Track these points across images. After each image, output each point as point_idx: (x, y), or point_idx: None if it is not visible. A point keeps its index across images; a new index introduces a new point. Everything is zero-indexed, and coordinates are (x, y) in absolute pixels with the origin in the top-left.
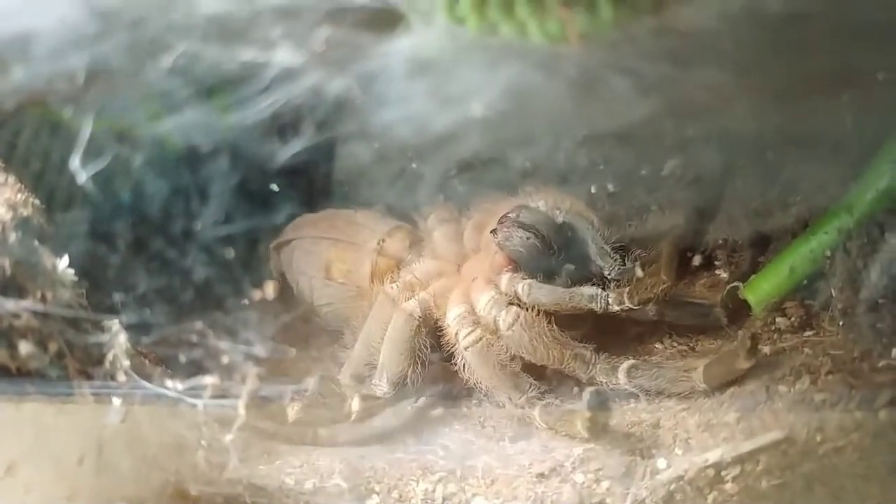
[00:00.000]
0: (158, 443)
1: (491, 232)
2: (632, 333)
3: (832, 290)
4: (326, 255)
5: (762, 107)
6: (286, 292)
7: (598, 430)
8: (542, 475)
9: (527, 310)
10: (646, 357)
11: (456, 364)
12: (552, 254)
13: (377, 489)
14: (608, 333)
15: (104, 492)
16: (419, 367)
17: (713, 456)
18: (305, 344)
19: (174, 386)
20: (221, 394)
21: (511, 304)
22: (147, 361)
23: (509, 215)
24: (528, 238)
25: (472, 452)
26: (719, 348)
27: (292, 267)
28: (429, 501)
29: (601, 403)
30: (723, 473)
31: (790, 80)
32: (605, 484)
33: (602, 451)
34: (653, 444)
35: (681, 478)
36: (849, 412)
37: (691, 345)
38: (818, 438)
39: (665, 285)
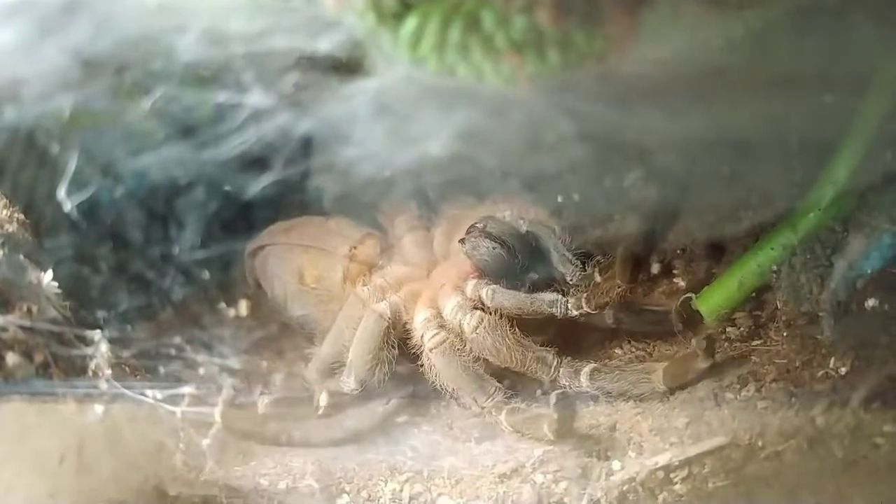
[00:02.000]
0: (138, 447)
1: (459, 241)
2: (592, 339)
3: (778, 303)
4: (299, 262)
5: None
6: (261, 298)
7: (564, 432)
8: (503, 475)
9: (490, 314)
10: (606, 361)
11: (423, 366)
12: (517, 263)
13: (347, 489)
14: (570, 339)
15: (84, 492)
16: (386, 367)
17: (663, 459)
18: (279, 347)
19: (153, 395)
20: (198, 400)
21: (476, 308)
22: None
23: (477, 225)
24: (494, 248)
25: (438, 453)
26: (675, 353)
27: (266, 273)
28: (396, 501)
29: (567, 406)
30: (672, 476)
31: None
32: (563, 484)
33: (560, 452)
34: (609, 446)
35: (633, 479)
36: (788, 418)
37: (649, 350)
38: (759, 443)
39: (620, 289)
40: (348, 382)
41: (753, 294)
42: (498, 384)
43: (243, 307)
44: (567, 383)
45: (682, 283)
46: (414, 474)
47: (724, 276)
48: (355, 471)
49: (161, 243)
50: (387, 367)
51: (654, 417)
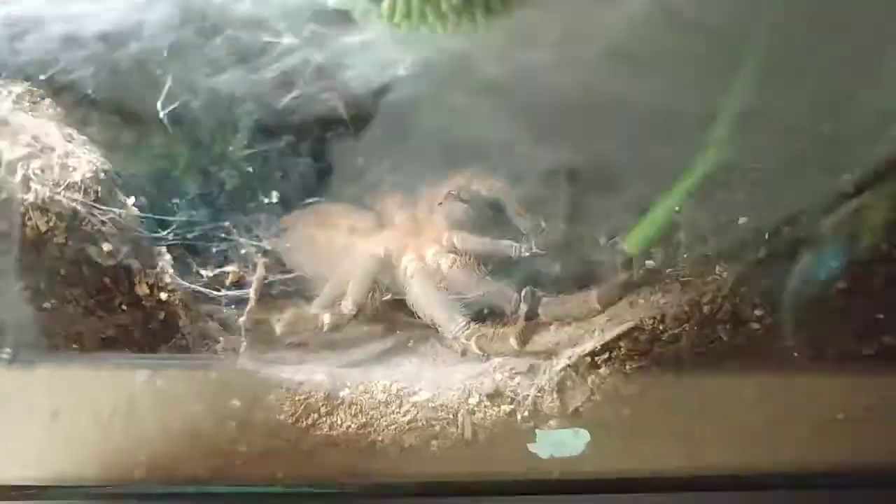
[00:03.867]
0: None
1: (438, 204)
2: None
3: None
4: (312, 234)
5: None
6: None
7: (527, 337)
8: (469, 377)
9: (461, 256)
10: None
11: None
12: (481, 219)
13: (349, 384)
14: None
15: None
16: (377, 298)
17: (589, 346)
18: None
19: (205, 273)
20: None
21: (450, 252)
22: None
23: (451, 192)
24: (466, 210)
25: (422, 371)
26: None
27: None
28: (385, 392)
29: (533, 304)
30: (596, 359)
31: None
32: (517, 379)
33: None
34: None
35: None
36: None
37: None
38: (661, 327)
39: (542, 230)
40: (346, 305)
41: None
42: (466, 318)
43: None
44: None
45: None
46: (401, 378)
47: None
48: (356, 377)
49: None
50: (377, 298)
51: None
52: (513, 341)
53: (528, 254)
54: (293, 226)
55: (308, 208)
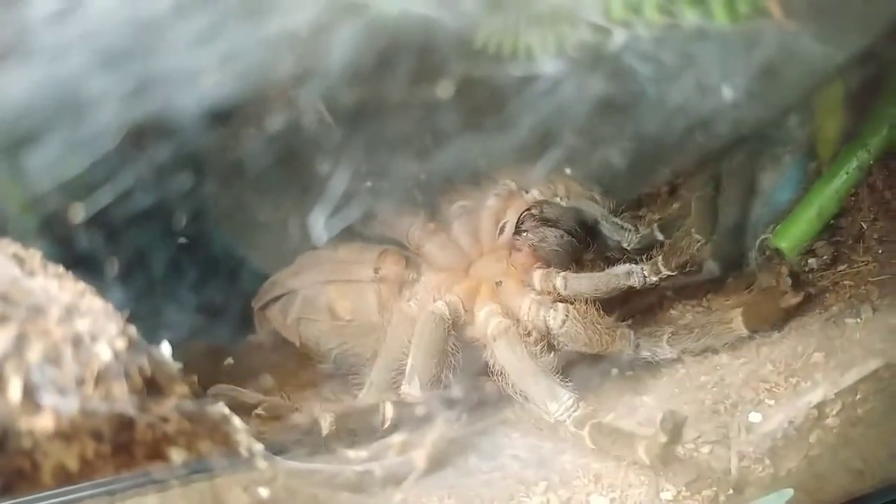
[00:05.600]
0: None
1: (516, 233)
2: (642, 308)
3: (862, 224)
4: (326, 299)
5: None
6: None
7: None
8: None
9: (571, 303)
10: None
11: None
12: (585, 245)
13: None
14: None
15: None
16: (450, 372)
17: (815, 396)
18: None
19: None
20: None
21: (556, 301)
22: None
23: (532, 213)
24: (562, 236)
25: (545, 455)
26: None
27: (288, 321)
28: None
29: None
30: (827, 410)
31: None
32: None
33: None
34: (732, 401)
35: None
36: None
37: (703, 304)
38: None
39: (700, 244)
40: (411, 391)
41: (832, 221)
42: (570, 392)
43: None
44: (649, 354)
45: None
46: (546, 482)
47: (800, 208)
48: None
49: None
50: (450, 371)
51: (772, 362)
52: (643, 455)
53: (655, 278)
54: (286, 293)
55: (293, 266)
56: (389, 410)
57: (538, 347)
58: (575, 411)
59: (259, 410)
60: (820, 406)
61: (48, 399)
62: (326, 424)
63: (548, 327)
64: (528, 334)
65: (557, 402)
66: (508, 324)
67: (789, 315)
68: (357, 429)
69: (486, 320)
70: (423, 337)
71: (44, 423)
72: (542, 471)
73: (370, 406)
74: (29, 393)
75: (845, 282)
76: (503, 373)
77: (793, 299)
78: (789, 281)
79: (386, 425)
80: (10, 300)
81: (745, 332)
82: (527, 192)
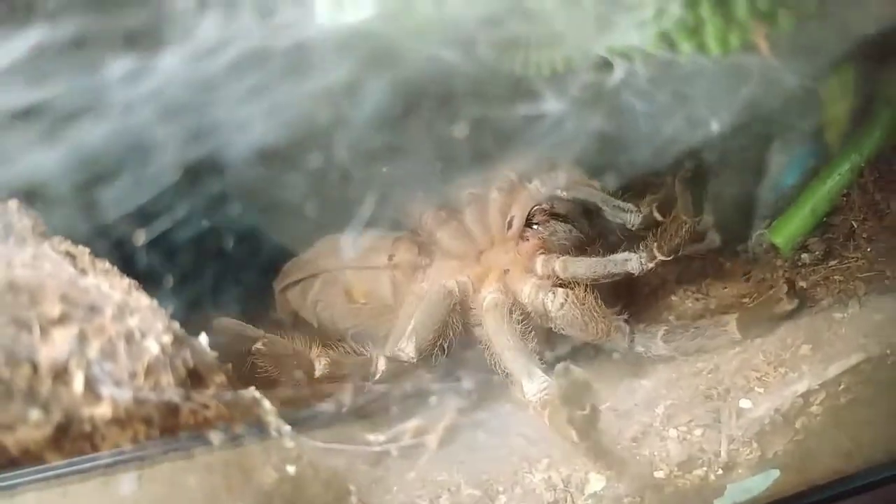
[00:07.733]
0: None
1: (527, 226)
2: (645, 293)
3: (853, 223)
4: (343, 283)
5: None
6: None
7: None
8: (636, 439)
9: (572, 288)
10: (667, 316)
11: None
12: (591, 235)
13: (500, 489)
14: (624, 298)
15: None
16: (446, 342)
17: (801, 386)
18: None
19: None
20: None
21: (556, 286)
22: None
23: (542, 208)
24: (570, 230)
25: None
26: (732, 291)
27: (307, 302)
28: (553, 488)
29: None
30: (811, 399)
31: None
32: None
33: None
34: (725, 388)
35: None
36: None
37: (703, 291)
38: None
39: (688, 225)
40: (406, 349)
41: (825, 219)
42: (546, 377)
43: None
44: (643, 349)
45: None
46: (549, 459)
47: (796, 206)
48: (493, 471)
49: None
50: (447, 342)
51: (763, 353)
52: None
53: (651, 264)
54: (306, 278)
55: (312, 251)
56: (382, 364)
57: (528, 327)
58: (545, 394)
59: (259, 345)
60: (805, 395)
61: (106, 390)
62: (321, 367)
63: (546, 309)
64: (527, 316)
65: (532, 381)
66: (501, 299)
67: (783, 319)
68: (349, 375)
69: (485, 298)
70: (429, 304)
71: (102, 410)
72: (545, 449)
73: (364, 358)
74: (90, 385)
75: (835, 277)
76: (489, 346)
77: (787, 306)
78: (785, 288)
79: (377, 377)
80: (70, 300)
81: (738, 336)
82: (529, 181)
